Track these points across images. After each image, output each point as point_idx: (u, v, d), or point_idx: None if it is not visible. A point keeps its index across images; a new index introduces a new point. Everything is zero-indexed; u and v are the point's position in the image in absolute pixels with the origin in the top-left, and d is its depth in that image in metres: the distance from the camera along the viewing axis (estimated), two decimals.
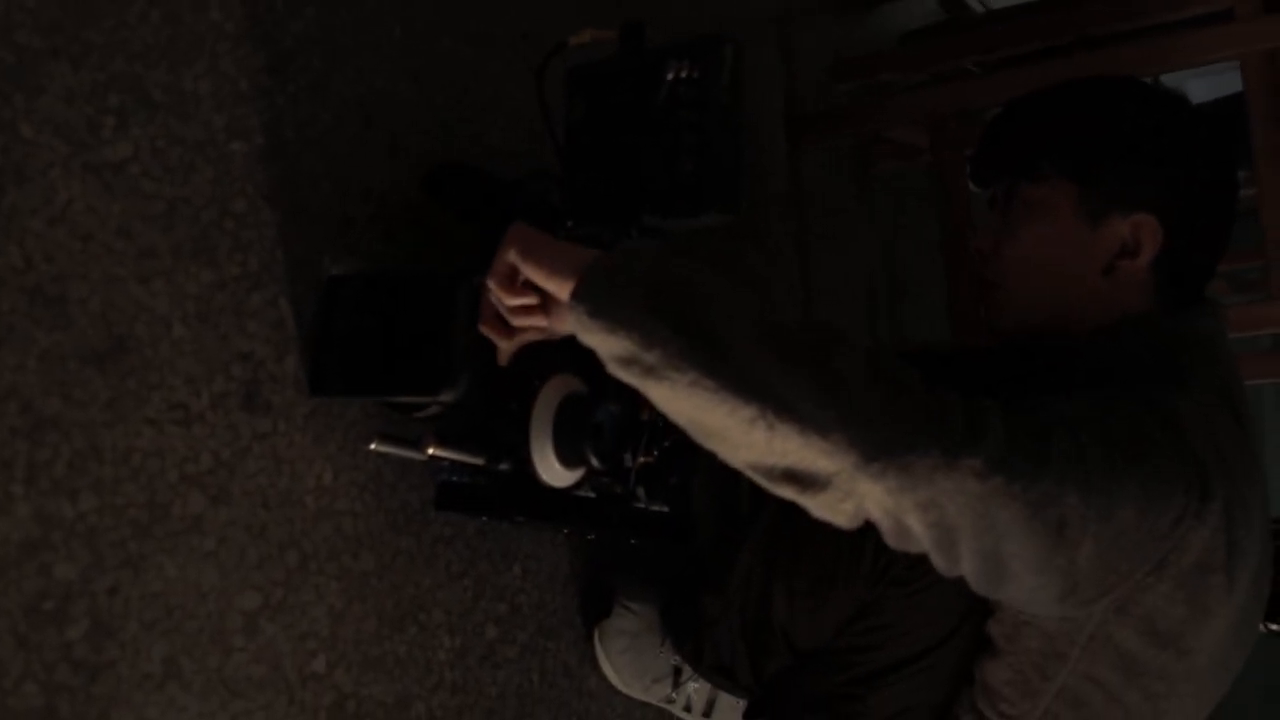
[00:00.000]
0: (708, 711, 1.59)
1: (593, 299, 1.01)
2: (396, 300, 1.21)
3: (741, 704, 1.57)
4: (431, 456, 1.17)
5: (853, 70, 2.50)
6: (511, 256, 1.09)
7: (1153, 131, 1.28)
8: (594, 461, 1.23)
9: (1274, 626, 1.84)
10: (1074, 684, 1.19)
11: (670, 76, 1.19)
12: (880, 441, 0.98)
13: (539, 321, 1.12)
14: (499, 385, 1.21)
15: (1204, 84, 2.98)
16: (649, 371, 1.00)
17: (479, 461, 1.22)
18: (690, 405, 1.00)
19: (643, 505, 1.40)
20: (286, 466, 1.21)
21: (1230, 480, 1.10)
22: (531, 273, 1.08)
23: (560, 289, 1.05)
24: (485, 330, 1.15)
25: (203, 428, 1.13)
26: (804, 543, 1.36)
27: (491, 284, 1.12)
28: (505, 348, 1.16)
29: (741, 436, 0.99)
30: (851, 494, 1.01)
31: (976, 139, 1.39)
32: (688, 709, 1.59)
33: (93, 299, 1.05)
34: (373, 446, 1.14)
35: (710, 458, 1.08)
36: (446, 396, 1.17)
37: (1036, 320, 1.30)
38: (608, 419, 1.24)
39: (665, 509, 1.41)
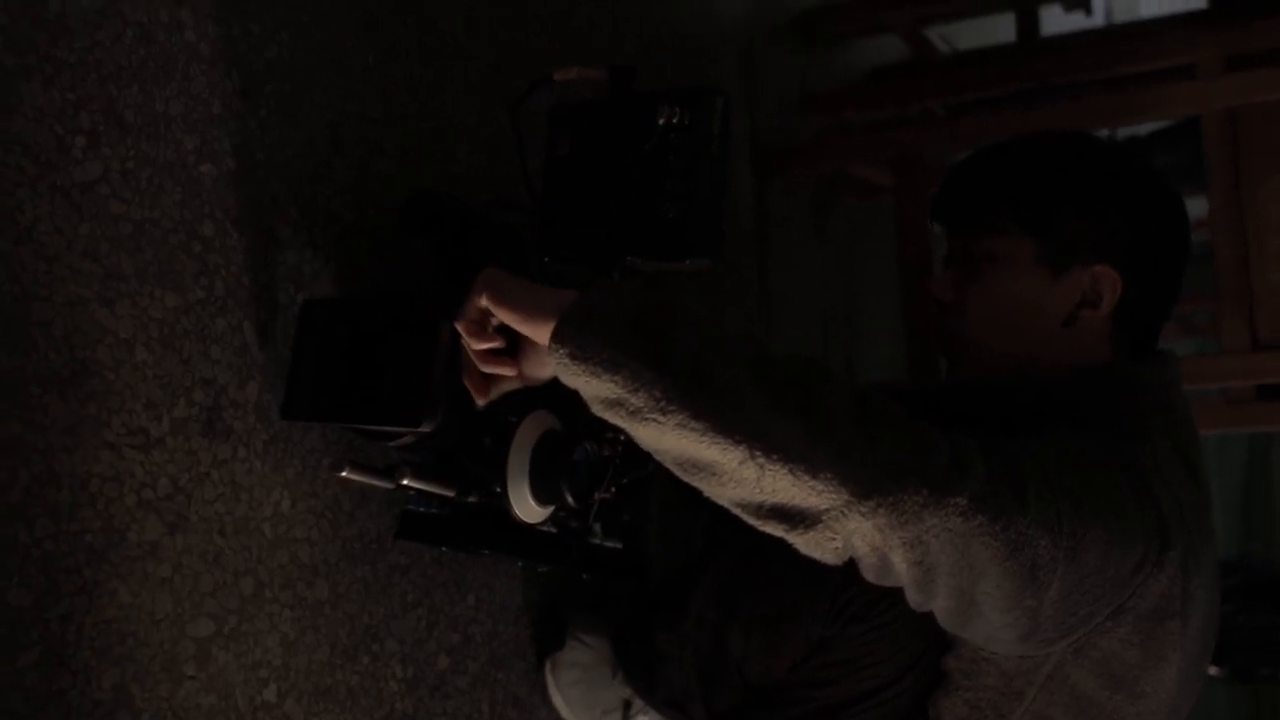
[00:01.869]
0: None
1: (574, 341, 1.01)
2: (377, 328, 1.20)
3: None
4: (403, 487, 1.17)
5: (818, 105, 2.52)
6: (483, 301, 1.09)
7: (1109, 185, 1.29)
8: (570, 500, 1.23)
9: (1215, 670, 1.87)
10: None
11: (661, 122, 1.19)
12: (871, 479, 1.00)
13: (508, 370, 1.13)
14: (474, 418, 1.21)
15: None
16: (635, 414, 1.00)
17: (449, 494, 1.22)
18: (678, 445, 1.01)
19: (598, 541, 1.40)
20: (245, 493, 1.20)
21: (1186, 530, 1.13)
22: (506, 317, 1.08)
23: (538, 333, 1.05)
24: (467, 383, 1.16)
25: (162, 453, 1.12)
26: (761, 580, 1.37)
27: (461, 329, 1.12)
28: (481, 401, 1.16)
29: (730, 474, 1.00)
30: (841, 531, 1.02)
31: (939, 180, 1.40)
32: None
33: (56, 321, 1.04)
34: (344, 474, 1.13)
35: (666, 495, 1.10)
36: (425, 428, 1.16)
37: (996, 369, 1.32)
38: (583, 458, 1.24)
39: (619, 545, 1.42)
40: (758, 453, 0.98)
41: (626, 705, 1.57)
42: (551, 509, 1.28)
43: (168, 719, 1.11)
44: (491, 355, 1.13)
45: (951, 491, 1.01)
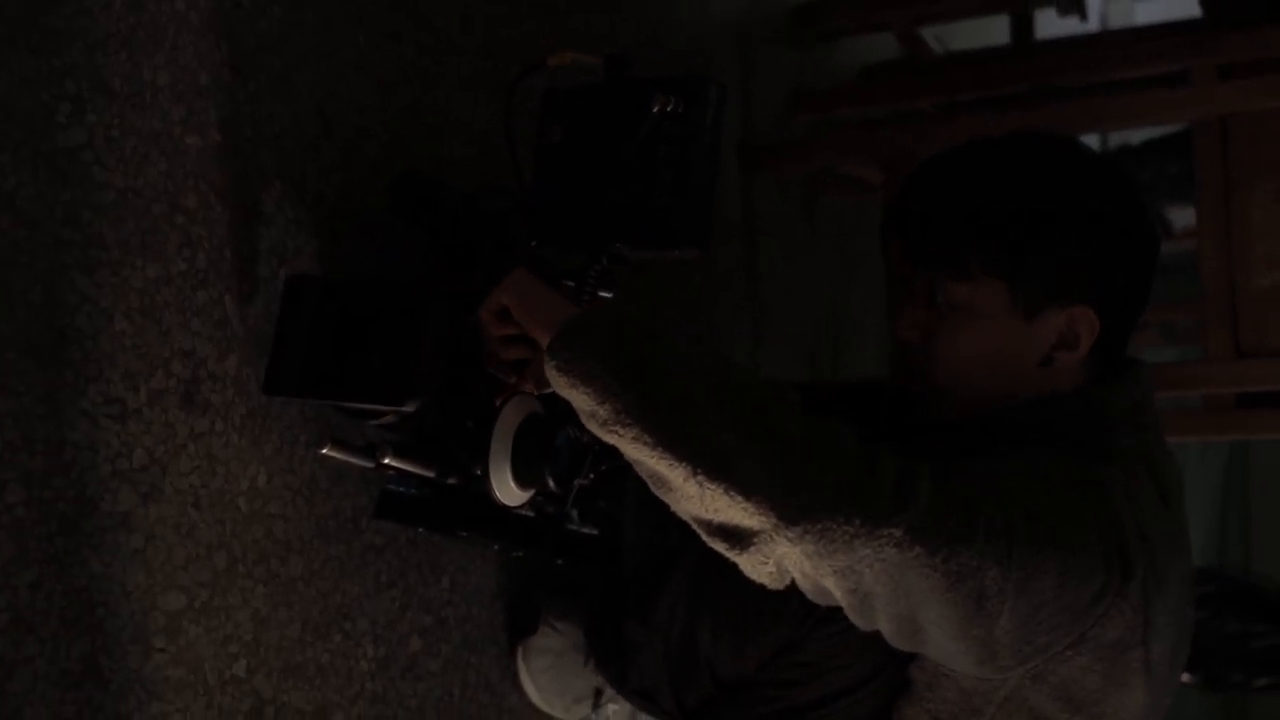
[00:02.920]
0: None
1: (562, 355, 1.07)
2: (364, 308, 1.20)
3: None
4: (383, 466, 1.17)
5: (810, 102, 2.52)
6: (507, 298, 1.16)
7: (1082, 223, 1.19)
8: (551, 484, 1.23)
9: (1187, 678, 1.88)
10: None
11: (655, 110, 1.19)
12: (800, 505, 1.01)
13: (521, 354, 1.21)
14: (458, 400, 1.21)
15: None
16: (604, 425, 1.06)
17: (429, 474, 1.22)
18: (639, 458, 1.06)
19: (575, 527, 1.40)
20: (221, 467, 1.20)
21: (1151, 557, 1.12)
22: (521, 319, 1.16)
23: (542, 340, 1.12)
24: (489, 366, 1.24)
25: (138, 424, 1.12)
26: (732, 577, 1.36)
27: (483, 315, 1.19)
28: (512, 381, 1.24)
29: (679, 490, 1.05)
30: (772, 555, 1.04)
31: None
32: None
33: (35, 288, 1.03)
34: (325, 450, 1.14)
35: (640, 485, 1.11)
36: (409, 407, 1.16)
37: (967, 408, 1.26)
38: (565, 443, 1.24)
39: (595, 531, 1.42)
40: (699, 470, 1.02)
41: (597, 693, 1.57)
42: (532, 492, 1.27)
43: (136, 691, 1.11)
44: (509, 344, 1.21)
45: (886, 522, 1.01)
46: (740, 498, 1.01)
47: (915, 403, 1.35)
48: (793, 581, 1.11)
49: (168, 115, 1.16)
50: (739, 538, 1.05)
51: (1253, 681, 3.03)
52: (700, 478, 1.02)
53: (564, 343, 1.08)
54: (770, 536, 1.02)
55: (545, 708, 1.60)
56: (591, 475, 1.33)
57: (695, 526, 1.08)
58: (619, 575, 1.52)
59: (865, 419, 1.62)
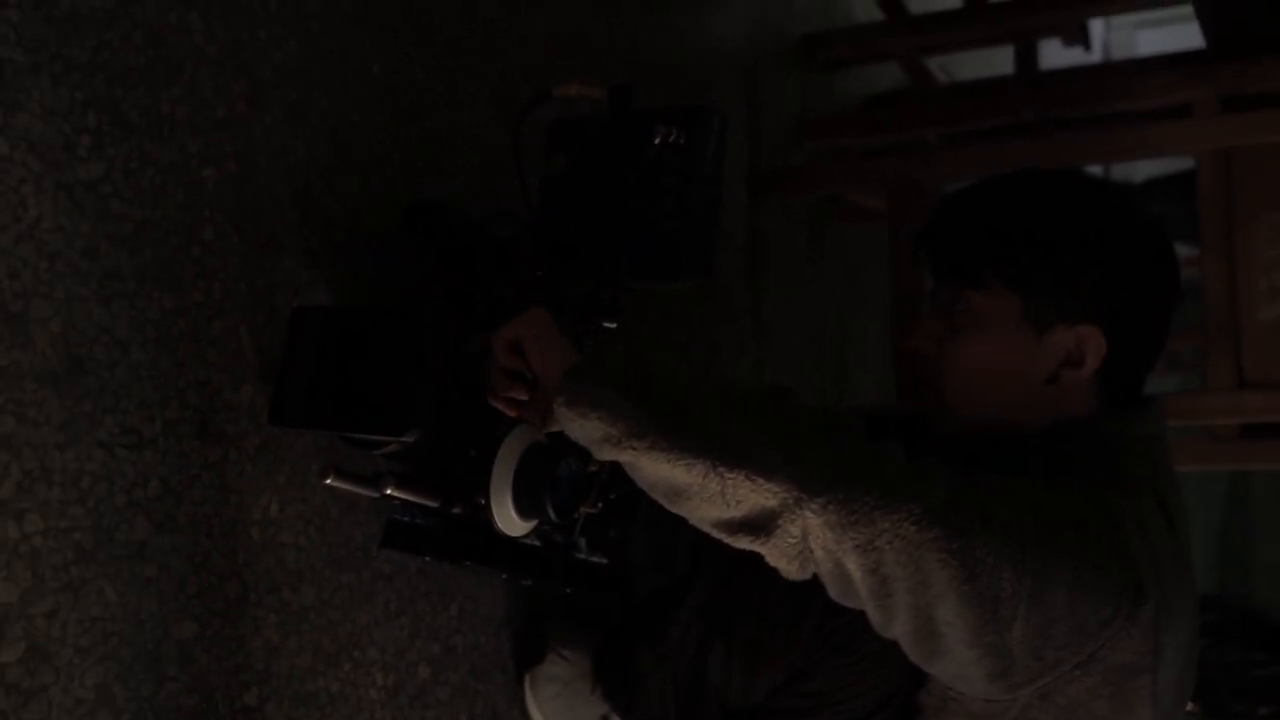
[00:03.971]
0: None
1: (568, 391, 1.11)
2: (365, 337, 1.21)
3: None
4: (387, 496, 1.18)
5: (816, 129, 2.54)
6: (521, 333, 1.19)
7: (1098, 244, 1.25)
8: (552, 515, 1.23)
9: (1190, 706, 1.88)
10: None
11: (657, 141, 1.20)
12: (823, 476, 1.04)
13: (519, 394, 1.23)
14: (461, 429, 1.22)
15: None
16: (618, 444, 1.08)
17: (433, 504, 1.22)
18: (655, 470, 1.08)
19: (583, 555, 1.40)
20: (234, 497, 1.20)
21: (1161, 584, 1.13)
22: (530, 356, 1.19)
23: (548, 382, 1.16)
24: (493, 401, 1.25)
25: (154, 453, 1.12)
26: (744, 605, 1.37)
27: (494, 345, 1.21)
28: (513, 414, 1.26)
29: (699, 492, 1.06)
30: (796, 531, 1.05)
31: (931, 210, 1.38)
32: None
33: (54, 319, 1.04)
34: (328, 481, 1.14)
35: (650, 514, 1.13)
36: (410, 437, 1.17)
37: (975, 424, 1.29)
38: (567, 473, 1.24)
39: (603, 560, 1.42)
40: (719, 464, 1.05)
41: None
42: (534, 523, 1.28)
43: (149, 719, 1.11)
44: (509, 378, 1.23)
45: (905, 498, 1.04)
46: (762, 479, 1.04)
47: (922, 427, 1.37)
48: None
49: (185, 148, 1.17)
50: (763, 524, 1.06)
51: (1255, 711, 3.04)
52: (721, 469, 1.05)
53: (568, 382, 1.11)
54: (794, 511, 1.04)
55: None
56: (599, 504, 1.33)
57: (717, 532, 1.10)
58: (628, 604, 1.52)
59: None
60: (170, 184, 1.15)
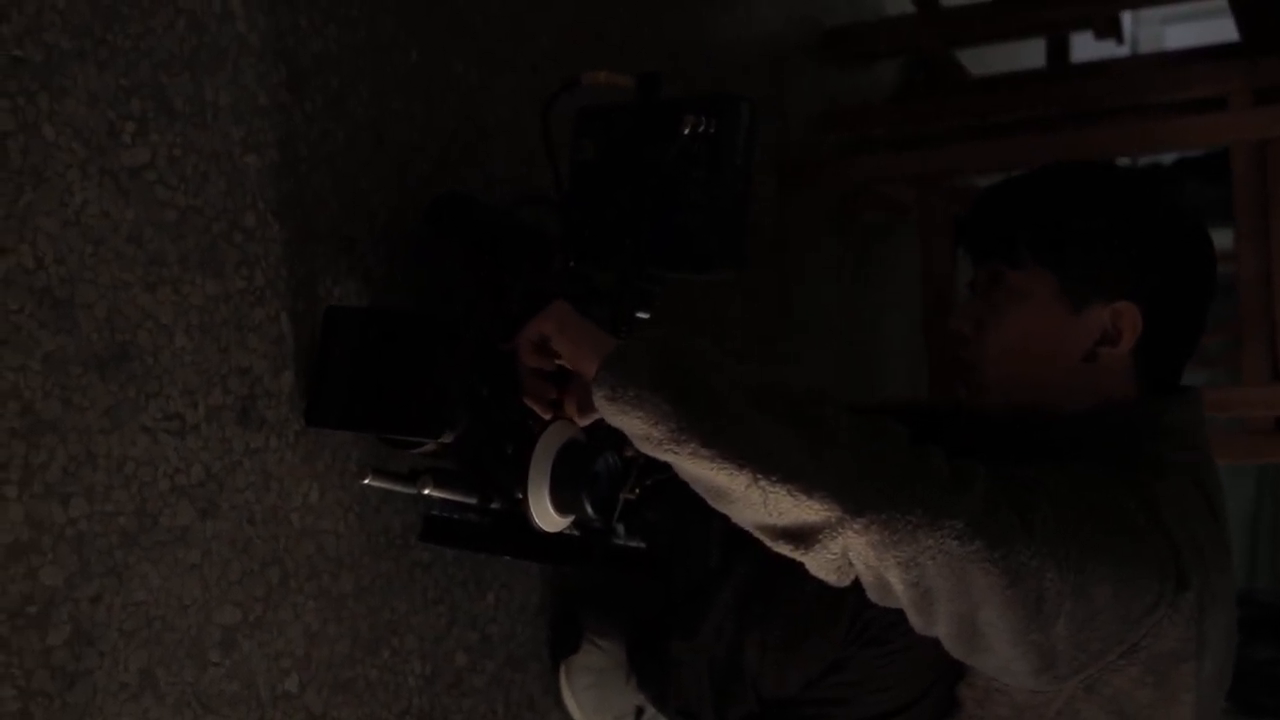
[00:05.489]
0: None
1: (609, 383, 1.09)
2: (398, 338, 1.21)
3: None
4: (425, 496, 1.18)
5: (844, 121, 2.53)
6: (547, 329, 1.18)
7: (1132, 221, 1.28)
8: (590, 512, 1.22)
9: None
10: None
11: (686, 131, 1.20)
12: (865, 496, 1.03)
13: (549, 394, 1.23)
14: (496, 428, 1.22)
15: None
16: (659, 445, 1.08)
17: (471, 500, 1.22)
18: (697, 472, 1.07)
19: (621, 541, 1.40)
20: (275, 483, 1.21)
21: (1204, 570, 1.13)
22: (562, 351, 1.17)
23: (585, 371, 1.14)
24: (528, 400, 1.24)
25: (196, 439, 1.13)
26: (780, 597, 1.37)
27: (520, 346, 1.21)
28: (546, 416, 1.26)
29: (742, 498, 1.06)
30: (837, 548, 1.05)
31: (962, 200, 1.41)
32: None
33: (99, 304, 1.04)
34: (367, 481, 1.16)
35: (685, 503, 1.13)
36: (445, 438, 1.17)
37: (1014, 402, 1.30)
38: (605, 468, 1.24)
39: (642, 545, 1.42)
40: (759, 476, 1.04)
41: (639, 711, 1.58)
42: (571, 518, 1.28)
43: (192, 704, 1.11)
44: (539, 378, 1.23)
45: (947, 513, 1.03)
46: (804, 496, 1.03)
47: (956, 419, 1.37)
48: (846, 595, 1.12)
49: (228, 135, 1.17)
50: (804, 536, 1.06)
51: None
52: (762, 483, 1.04)
53: (609, 372, 1.10)
54: (835, 530, 1.04)
55: None
56: (637, 490, 1.33)
57: (758, 533, 1.10)
58: (664, 591, 1.52)
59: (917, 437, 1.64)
60: (213, 171, 1.16)
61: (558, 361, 1.20)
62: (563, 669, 1.58)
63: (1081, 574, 1.05)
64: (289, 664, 1.22)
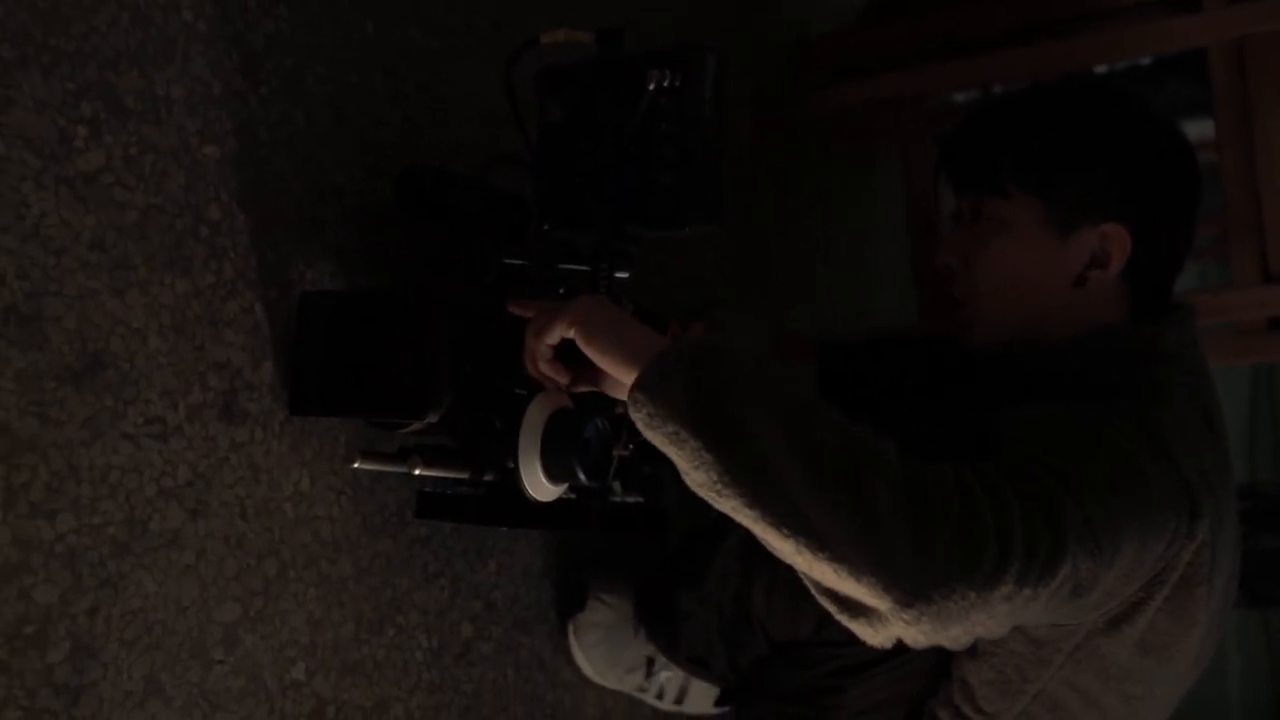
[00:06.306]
0: (680, 699, 1.61)
1: (647, 409, 1.01)
2: (376, 318, 1.19)
3: (713, 691, 1.58)
4: (416, 476, 1.17)
5: (817, 51, 2.49)
6: (570, 331, 1.09)
7: (1114, 142, 1.27)
8: (582, 478, 1.21)
9: None
10: (1054, 689, 1.21)
11: (651, 86, 1.17)
12: (915, 587, 0.96)
13: (563, 377, 1.16)
14: (482, 402, 1.21)
15: None
16: (700, 486, 1.00)
17: (463, 475, 1.21)
18: (738, 517, 1.00)
19: (618, 498, 1.39)
20: (264, 475, 1.20)
21: (1213, 494, 1.13)
22: (593, 355, 1.08)
23: (621, 377, 1.06)
24: (533, 372, 1.17)
25: (180, 440, 1.12)
26: None
27: (530, 335, 1.14)
28: (564, 384, 1.18)
29: (786, 555, 1.00)
30: (885, 632, 1.00)
31: (941, 123, 1.39)
32: (660, 697, 1.61)
33: (68, 315, 1.03)
34: (356, 465, 1.14)
35: None
36: (430, 418, 1.16)
37: (1008, 334, 1.30)
38: (594, 433, 1.23)
39: (639, 499, 1.41)
40: (804, 548, 0.97)
41: (650, 662, 1.58)
42: (565, 486, 1.27)
43: (199, 704, 1.12)
44: (550, 367, 1.15)
45: (996, 585, 0.97)
46: (851, 579, 0.96)
47: (952, 349, 1.36)
48: None
49: (184, 129, 1.15)
50: (851, 606, 1.00)
51: None
52: (806, 555, 0.97)
53: (646, 397, 1.01)
54: (886, 618, 0.98)
55: (599, 680, 1.61)
56: (630, 445, 1.32)
57: (805, 581, 1.03)
58: (666, 542, 1.51)
59: (895, 372, 1.63)
60: (172, 167, 1.14)
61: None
62: (571, 628, 1.59)
63: (1113, 549, 1.04)
64: (294, 653, 1.22)
